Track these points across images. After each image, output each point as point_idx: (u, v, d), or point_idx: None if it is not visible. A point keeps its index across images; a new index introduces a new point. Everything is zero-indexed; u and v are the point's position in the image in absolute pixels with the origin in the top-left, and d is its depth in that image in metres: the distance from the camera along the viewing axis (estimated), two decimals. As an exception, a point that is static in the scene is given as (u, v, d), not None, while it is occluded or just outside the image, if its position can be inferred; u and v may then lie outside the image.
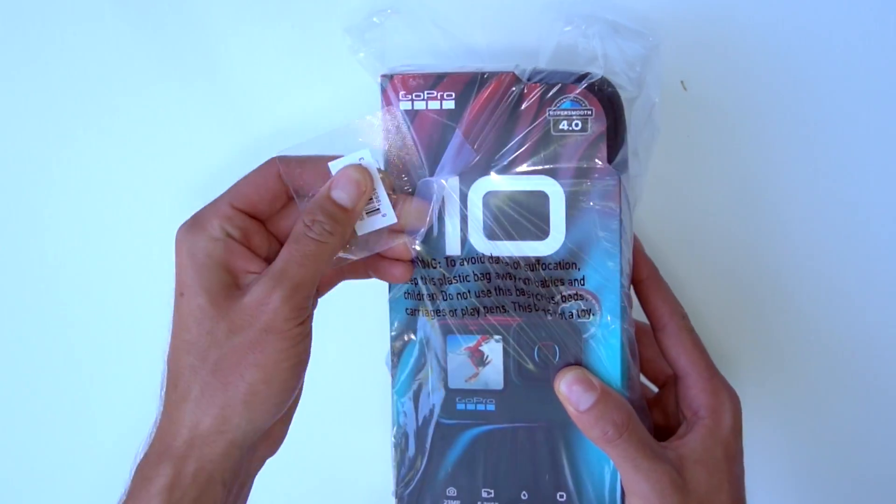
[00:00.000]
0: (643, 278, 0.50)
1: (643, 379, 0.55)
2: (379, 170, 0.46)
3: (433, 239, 0.47)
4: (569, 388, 0.47)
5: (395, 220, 0.46)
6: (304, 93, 0.57)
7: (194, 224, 0.46)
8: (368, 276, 0.50)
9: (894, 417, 0.60)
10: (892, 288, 0.57)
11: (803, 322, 0.58)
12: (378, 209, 0.46)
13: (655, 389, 0.55)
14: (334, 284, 0.51)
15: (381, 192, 0.46)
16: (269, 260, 0.46)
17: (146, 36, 0.57)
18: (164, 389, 0.45)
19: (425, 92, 0.46)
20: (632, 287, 0.50)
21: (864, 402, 0.60)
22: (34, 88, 0.58)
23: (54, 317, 0.64)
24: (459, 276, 0.47)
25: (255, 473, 0.49)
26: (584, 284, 0.47)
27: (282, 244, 0.46)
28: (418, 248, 0.47)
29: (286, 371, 0.44)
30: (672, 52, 0.52)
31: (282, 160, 0.46)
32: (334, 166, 0.46)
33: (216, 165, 0.58)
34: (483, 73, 0.46)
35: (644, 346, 0.53)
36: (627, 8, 0.52)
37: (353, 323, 0.59)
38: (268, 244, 0.47)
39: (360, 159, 0.46)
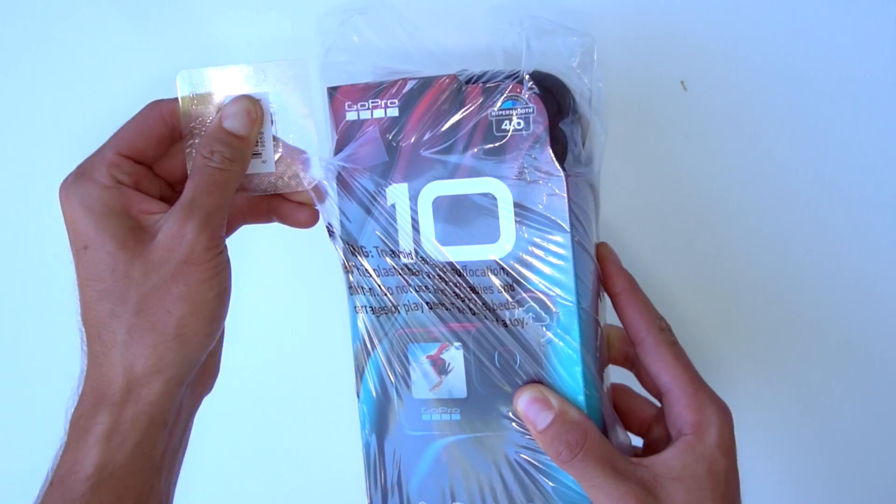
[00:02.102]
0: (618, 291, 0.48)
1: (646, 394, 0.52)
2: (272, 117, 0.47)
3: (387, 245, 0.47)
4: (526, 407, 0.45)
5: (273, 170, 0.47)
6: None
7: (80, 176, 0.45)
8: (271, 220, 0.50)
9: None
10: (891, 288, 0.52)
11: (799, 327, 0.55)
12: (260, 154, 0.47)
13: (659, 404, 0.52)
14: (236, 228, 0.51)
15: (267, 138, 0.46)
16: (163, 200, 0.46)
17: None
18: (85, 345, 0.45)
19: (369, 101, 0.47)
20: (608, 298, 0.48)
21: (863, 406, 0.56)
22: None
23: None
24: (413, 282, 0.47)
25: (195, 413, 0.49)
26: (536, 288, 0.45)
27: (171, 185, 0.47)
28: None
29: (212, 301, 0.45)
30: (671, 52, 0.51)
31: (181, 99, 0.47)
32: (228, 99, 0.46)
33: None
34: (424, 79, 0.46)
35: None
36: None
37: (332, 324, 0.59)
38: (158, 187, 0.48)
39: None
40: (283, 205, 0.50)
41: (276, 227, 0.51)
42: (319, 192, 0.48)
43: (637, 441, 0.51)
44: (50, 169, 0.60)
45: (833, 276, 0.54)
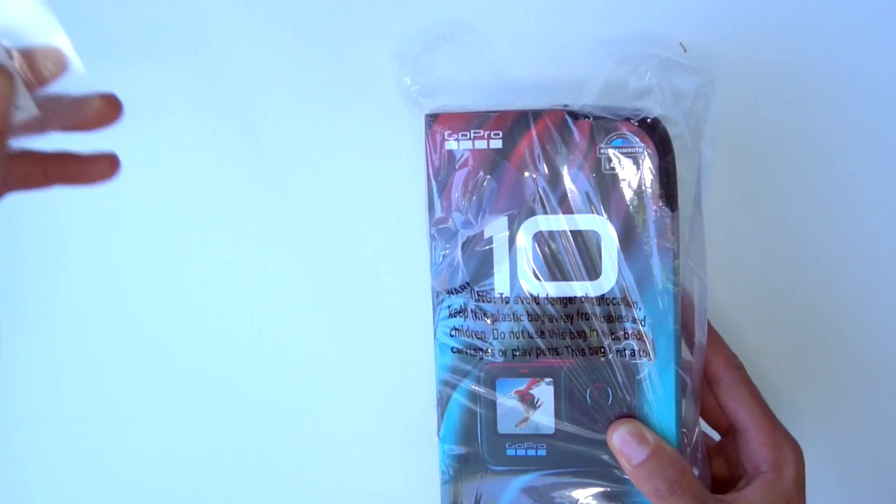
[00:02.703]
0: None
1: (705, 427, 0.53)
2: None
3: (481, 279, 0.47)
4: (621, 442, 0.46)
5: (35, 111, 0.41)
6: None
7: None
8: (48, 185, 0.46)
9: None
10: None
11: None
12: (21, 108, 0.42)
13: (717, 437, 0.53)
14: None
15: (20, 92, 0.41)
16: None
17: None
18: None
19: (472, 131, 0.46)
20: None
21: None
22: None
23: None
24: (509, 317, 0.47)
25: None
26: (636, 324, 0.46)
27: None
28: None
29: None
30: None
31: None
32: None
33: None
34: (531, 111, 0.45)
35: (705, 393, 0.51)
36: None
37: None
38: None
39: None
40: (69, 165, 0.46)
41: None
42: (115, 101, 0.44)
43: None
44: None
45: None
